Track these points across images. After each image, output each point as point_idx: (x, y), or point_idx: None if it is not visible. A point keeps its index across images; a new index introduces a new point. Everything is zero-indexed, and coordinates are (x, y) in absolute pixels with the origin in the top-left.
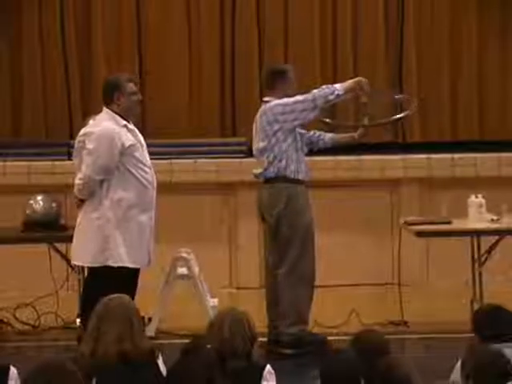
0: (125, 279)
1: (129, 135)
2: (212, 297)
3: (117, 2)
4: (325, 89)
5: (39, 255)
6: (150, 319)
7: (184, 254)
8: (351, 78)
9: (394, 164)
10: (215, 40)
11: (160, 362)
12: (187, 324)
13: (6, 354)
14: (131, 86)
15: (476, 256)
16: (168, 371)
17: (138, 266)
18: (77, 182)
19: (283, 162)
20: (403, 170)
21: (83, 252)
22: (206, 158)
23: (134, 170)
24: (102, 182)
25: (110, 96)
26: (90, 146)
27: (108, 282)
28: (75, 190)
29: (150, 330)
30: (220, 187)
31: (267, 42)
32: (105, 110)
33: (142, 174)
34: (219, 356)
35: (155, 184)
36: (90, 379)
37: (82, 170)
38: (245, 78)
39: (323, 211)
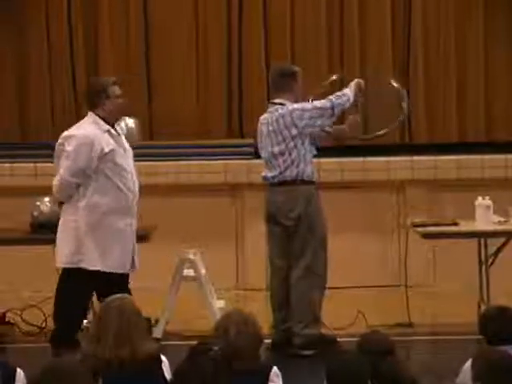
0: (101, 283)
1: (110, 141)
2: (218, 298)
3: (124, 4)
4: (341, 96)
5: (46, 256)
6: (156, 321)
7: (190, 256)
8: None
9: (401, 166)
10: (222, 42)
11: (165, 365)
12: (194, 326)
13: (13, 355)
14: (116, 90)
15: (483, 258)
16: (174, 373)
17: (113, 271)
18: (54, 183)
19: (301, 166)
20: (410, 171)
21: (59, 253)
22: (212, 159)
23: (112, 176)
24: (79, 185)
25: (95, 100)
26: (68, 148)
27: (81, 284)
28: (53, 191)
29: (157, 332)
30: (227, 189)
31: (274, 43)
32: (89, 113)
33: (122, 179)
34: (225, 358)
35: (137, 190)
36: (97, 380)
37: (60, 172)
38: (252, 80)
39: (330, 213)
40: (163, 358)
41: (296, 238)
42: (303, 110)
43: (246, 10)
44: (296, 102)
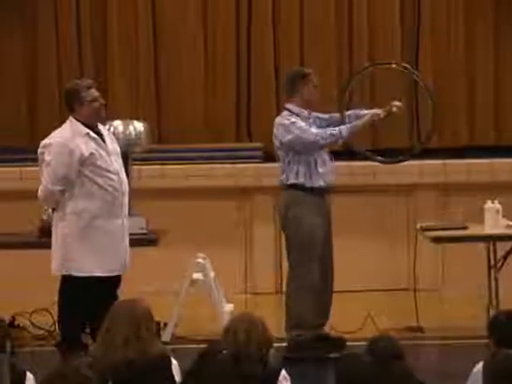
0: (95, 287)
1: (89, 144)
2: (227, 302)
3: (132, 6)
4: (330, 137)
5: None
6: (165, 324)
7: (200, 260)
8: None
9: (410, 170)
10: (231, 44)
11: (174, 367)
12: (203, 329)
13: (22, 358)
14: (91, 93)
15: (492, 262)
16: (183, 376)
17: (106, 274)
18: (39, 193)
19: (285, 174)
20: (419, 175)
21: (52, 261)
22: (221, 163)
23: (97, 179)
24: (65, 192)
25: (71, 105)
26: (48, 157)
27: (77, 290)
28: (39, 200)
29: (166, 336)
30: (236, 192)
31: (283, 45)
32: (69, 118)
33: (107, 181)
34: (234, 361)
35: (125, 189)
36: (106, 381)
37: (42, 181)
38: (260, 83)
39: (339, 217)
40: (173, 360)
41: (285, 240)
42: (287, 130)
43: (254, 12)
44: (306, 104)
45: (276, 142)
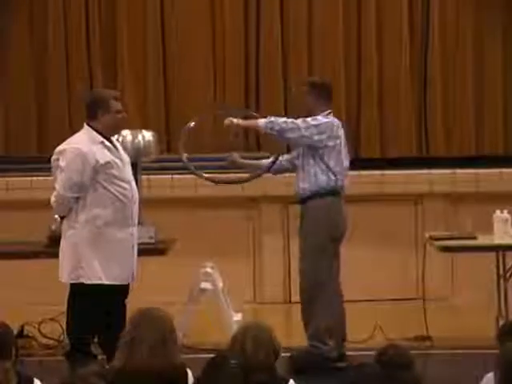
0: (104, 296)
1: (105, 152)
2: (236, 311)
3: (141, 17)
4: None
5: None
6: None
7: (208, 269)
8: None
9: (419, 179)
10: (240, 56)
11: (190, 379)
12: (211, 339)
13: (31, 368)
14: (118, 104)
15: (501, 272)
16: None
17: (116, 283)
18: (51, 199)
19: None
20: (428, 184)
21: (62, 269)
22: (230, 172)
23: (110, 187)
24: (77, 199)
25: (93, 112)
26: (62, 163)
27: (86, 299)
28: (52, 207)
29: None
30: (244, 202)
31: (292, 55)
32: (85, 126)
33: (120, 190)
34: (242, 370)
35: (136, 199)
36: None
37: (56, 187)
38: (269, 92)
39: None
40: (189, 372)
41: None
42: None
43: (263, 15)
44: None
45: None
